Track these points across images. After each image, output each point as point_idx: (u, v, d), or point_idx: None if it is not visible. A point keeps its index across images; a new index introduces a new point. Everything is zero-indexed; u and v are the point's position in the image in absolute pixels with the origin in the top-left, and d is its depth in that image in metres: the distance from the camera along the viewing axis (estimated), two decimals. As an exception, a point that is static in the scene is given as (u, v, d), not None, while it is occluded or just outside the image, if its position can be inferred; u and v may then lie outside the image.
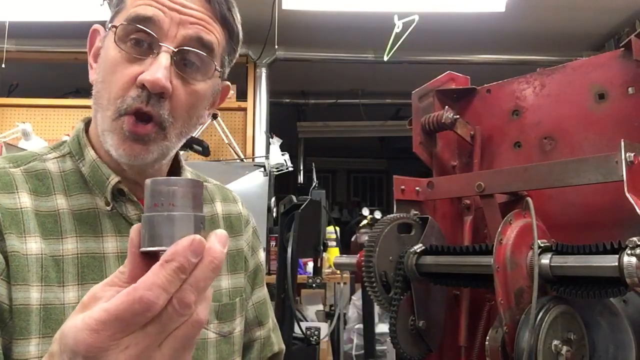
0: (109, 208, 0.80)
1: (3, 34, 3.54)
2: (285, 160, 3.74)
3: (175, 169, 0.92)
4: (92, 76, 0.82)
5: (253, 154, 4.01)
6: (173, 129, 0.79)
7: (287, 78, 4.60)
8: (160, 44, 0.75)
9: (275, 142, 3.81)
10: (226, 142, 3.89)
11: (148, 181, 0.47)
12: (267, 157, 3.79)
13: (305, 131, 5.84)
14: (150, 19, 0.75)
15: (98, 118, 0.79)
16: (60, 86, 4.24)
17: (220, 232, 0.47)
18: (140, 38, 0.76)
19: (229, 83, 0.91)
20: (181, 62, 0.77)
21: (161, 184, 0.46)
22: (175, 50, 0.76)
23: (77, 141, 0.84)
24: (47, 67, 4.29)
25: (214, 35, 0.80)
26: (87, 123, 0.87)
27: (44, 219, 0.76)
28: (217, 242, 0.46)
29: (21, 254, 0.71)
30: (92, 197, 0.80)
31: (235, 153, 3.90)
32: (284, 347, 1.08)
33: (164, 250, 0.44)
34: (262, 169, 3.54)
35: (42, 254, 0.73)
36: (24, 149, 2.93)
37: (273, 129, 4.10)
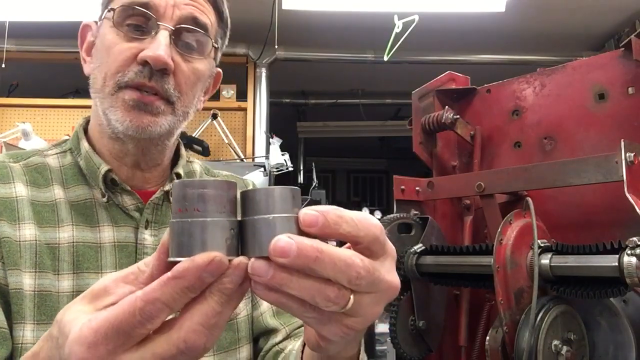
0: (104, 199, 0.81)
1: (3, 34, 3.54)
2: (285, 160, 3.73)
3: (177, 158, 0.92)
4: (87, 68, 0.84)
5: (253, 154, 4.00)
6: (180, 104, 0.80)
7: (287, 78, 4.60)
8: (159, 23, 0.77)
9: (275, 142, 3.80)
10: (226, 142, 3.88)
11: (174, 183, 0.42)
12: (267, 157, 3.78)
13: (305, 131, 5.83)
14: (146, 4, 0.77)
15: (97, 103, 0.80)
16: (60, 86, 4.23)
17: (238, 262, 0.40)
18: (137, 22, 0.78)
19: (220, 70, 0.93)
20: (179, 41, 0.79)
21: (186, 187, 0.41)
22: (173, 29, 0.78)
23: (76, 136, 0.86)
24: (47, 67, 4.28)
25: (208, 16, 0.82)
26: (88, 121, 0.88)
27: (41, 208, 0.78)
28: (234, 271, 0.39)
29: (13, 240, 0.73)
30: (90, 189, 0.82)
31: (235, 153, 3.90)
32: None
33: None
34: (262, 169, 3.53)
35: (36, 241, 0.74)
36: (24, 149, 2.92)
37: (273, 129, 4.09)
